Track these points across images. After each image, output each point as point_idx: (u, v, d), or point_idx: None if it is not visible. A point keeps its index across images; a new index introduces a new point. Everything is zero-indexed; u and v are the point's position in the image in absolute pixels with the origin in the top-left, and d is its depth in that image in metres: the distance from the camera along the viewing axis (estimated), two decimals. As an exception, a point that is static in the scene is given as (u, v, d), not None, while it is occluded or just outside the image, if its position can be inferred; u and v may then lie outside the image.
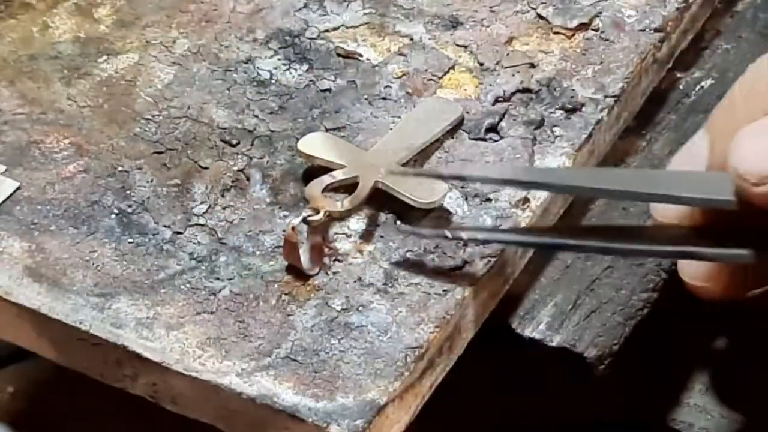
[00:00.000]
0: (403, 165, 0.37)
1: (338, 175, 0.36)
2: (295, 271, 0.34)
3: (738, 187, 0.32)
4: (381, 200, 0.36)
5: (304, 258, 0.34)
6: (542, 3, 0.41)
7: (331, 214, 0.35)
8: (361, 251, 0.36)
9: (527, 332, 0.36)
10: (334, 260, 0.35)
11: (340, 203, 0.35)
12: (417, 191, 0.36)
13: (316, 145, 0.37)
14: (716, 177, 0.33)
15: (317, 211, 0.35)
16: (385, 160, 0.36)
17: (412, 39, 0.40)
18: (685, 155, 0.36)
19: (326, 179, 0.36)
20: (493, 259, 0.35)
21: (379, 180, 0.36)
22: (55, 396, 0.48)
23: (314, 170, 0.37)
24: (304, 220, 0.35)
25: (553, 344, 0.36)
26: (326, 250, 0.35)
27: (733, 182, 0.32)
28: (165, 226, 0.36)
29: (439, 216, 0.36)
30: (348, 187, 0.36)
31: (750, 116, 0.33)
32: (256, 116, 0.38)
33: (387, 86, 0.39)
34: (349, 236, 0.36)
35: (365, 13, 0.41)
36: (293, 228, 0.34)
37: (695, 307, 0.38)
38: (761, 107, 0.33)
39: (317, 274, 0.34)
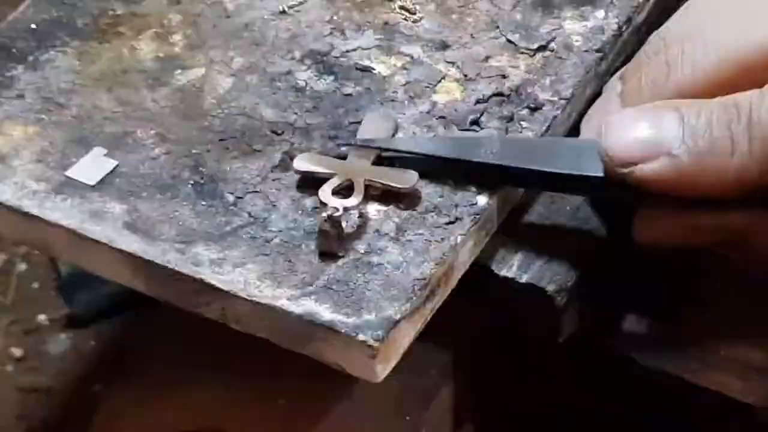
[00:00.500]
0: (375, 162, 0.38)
1: (336, 180, 0.37)
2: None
3: (606, 163, 0.34)
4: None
5: (335, 245, 0.35)
6: (510, 31, 0.42)
7: (347, 208, 0.36)
8: (378, 211, 0.37)
9: (503, 272, 0.38)
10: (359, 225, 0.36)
11: (350, 199, 0.36)
12: (396, 180, 0.37)
13: (306, 163, 0.37)
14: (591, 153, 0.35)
15: (337, 209, 0.35)
16: (363, 161, 0.38)
17: (412, 57, 0.41)
18: (604, 97, 0.38)
19: (334, 182, 0.37)
20: (477, 216, 0.36)
21: (366, 177, 0.37)
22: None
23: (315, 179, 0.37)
24: (330, 217, 0.35)
25: (522, 281, 0.37)
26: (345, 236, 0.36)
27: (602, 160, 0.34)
28: (229, 193, 0.37)
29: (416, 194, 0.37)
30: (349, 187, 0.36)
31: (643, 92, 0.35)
32: (296, 113, 0.40)
33: (394, 92, 0.41)
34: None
35: (376, 39, 0.42)
36: (325, 222, 0.35)
37: (639, 254, 0.39)
38: (648, 88, 0.35)
39: (342, 254, 0.35)
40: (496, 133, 0.39)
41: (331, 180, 0.37)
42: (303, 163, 0.37)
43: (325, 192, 0.37)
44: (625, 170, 0.33)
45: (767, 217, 0.34)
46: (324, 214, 0.36)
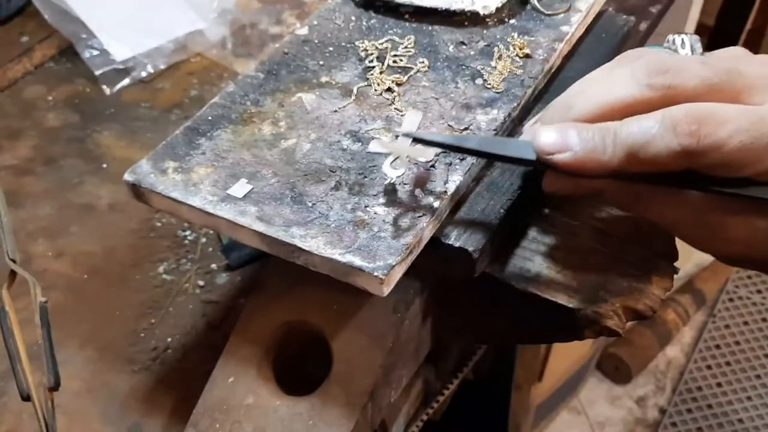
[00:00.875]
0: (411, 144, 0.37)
1: (391, 158, 0.37)
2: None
3: (537, 153, 0.33)
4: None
5: (393, 196, 0.36)
6: (450, 120, 0.41)
7: (398, 176, 0.36)
8: (385, 211, 0.36)
9: (446, 241, 0.37)
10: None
11: (398, 170, 0.36)
12: (424, 156, 0.37)
13: (375, 145, 0.38)
14: (530, 147, 0.34)
15: (392, 179, 0.36)
16: (405, 143, 0.37)
17: (397, 135, 0.40)
18: (527, 128, 0.36)
19: (390, 158, 0.37)
20: (435, 214, 0.36)
21: (407, 155, 0.37)
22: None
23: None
24: (390, 183, 0.37)
25: (456, 245, 0.37)
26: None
27: (535, 151, 0.33)
28: (309, 202, 0.37)
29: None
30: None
31: (561, 118, 0.34)
32: (342, 161, 0.39)
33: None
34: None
35: (382, 124, 0.41)
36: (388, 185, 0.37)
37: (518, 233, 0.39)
38: (558, 118, 0.34)
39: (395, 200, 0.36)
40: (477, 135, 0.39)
41: (389, 157, 0.37)
42: (374, 146, 0.37)
43: (386, 166, 0.37)
44: (546, 157, 0.33)
45: (615, 184, 0.33)
46: (388, 180, 0.37)
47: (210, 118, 0.42)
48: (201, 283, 0.52)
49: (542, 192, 0.36)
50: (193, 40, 0.71)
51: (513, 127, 0.43)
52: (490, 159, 0.38)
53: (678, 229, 0.35)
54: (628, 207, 0.35)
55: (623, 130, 0.31)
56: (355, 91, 0.44)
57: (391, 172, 0.36)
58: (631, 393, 1.37)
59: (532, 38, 0.47)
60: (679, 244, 0.40)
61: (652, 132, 0.30)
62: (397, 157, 0.36)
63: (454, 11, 0.48)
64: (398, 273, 0.34)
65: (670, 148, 0.29)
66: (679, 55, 0.35)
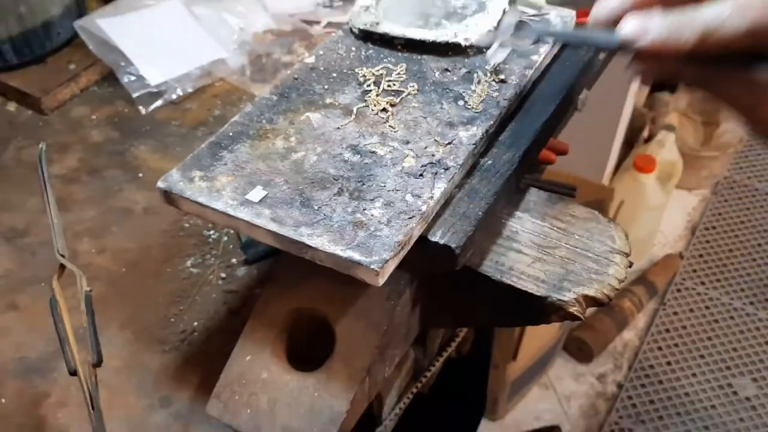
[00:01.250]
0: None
1: (495, 45, 0.40)
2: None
3: (622, 40, 0.31)
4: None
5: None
6: (436, 135, 0.41)
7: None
8: (381, 213, 0.37)
9: (433, 238, 0.37)
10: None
11: (501, 57, 0.40)
12: (523, 44, 0.39)
13: (480, 37, 0.42)
14: (614, 33, 0.32)
15: (494, 63, 0.41)
16: (507, 33, 0.39)
17: (394, 147, 0.41)
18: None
19: (495, 46, 0.41)
20: (422, 215, 0.36)
21: (510, 43, 0.39)
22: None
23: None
24: (494, 65, 0.41)
25: (441, 243, 0.37)
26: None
27: (619, 37, 0.31)
28: (315, 206, 0.37)
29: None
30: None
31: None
32: (343, 171, 0.39)
33: (385, 163, 0.40)
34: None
35: (378, 138, 0.41)
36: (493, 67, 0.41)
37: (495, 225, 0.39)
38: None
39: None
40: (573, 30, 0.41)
41: (493, 45, 0.40)
42: (477, 38, 0.41)
43: (491, 52, 0.40)
44: (630, 42, 0.31)
45: (690, 66, 0.32)
46: (491, 65, 0.41)
47: (231, 134, 0.43)
48: (223, 275, 0.52)
49: (515, 196, 0.36)
50: (216, 67, 0.71)
51: (490, 141, 0.43)
52: (579, 44, 0.38)
53: (741, 105, 0.32)
54: (701, 87, 0.33)
55: (698, 15, 0.29)
56: (354, 110, 0.44)
57: (494, 59, 0.37)
58: (593, 371, 1.37)
59: (506, 66, 0.47)
60: (634, 245, 0.41)
61: (725, 15, 0.29)
62: (500, 45, 0.37)
63: (440, 43, 0.48)
64: (391, 266, 0.35)
65: (739, 30, 0.28)
66: None
